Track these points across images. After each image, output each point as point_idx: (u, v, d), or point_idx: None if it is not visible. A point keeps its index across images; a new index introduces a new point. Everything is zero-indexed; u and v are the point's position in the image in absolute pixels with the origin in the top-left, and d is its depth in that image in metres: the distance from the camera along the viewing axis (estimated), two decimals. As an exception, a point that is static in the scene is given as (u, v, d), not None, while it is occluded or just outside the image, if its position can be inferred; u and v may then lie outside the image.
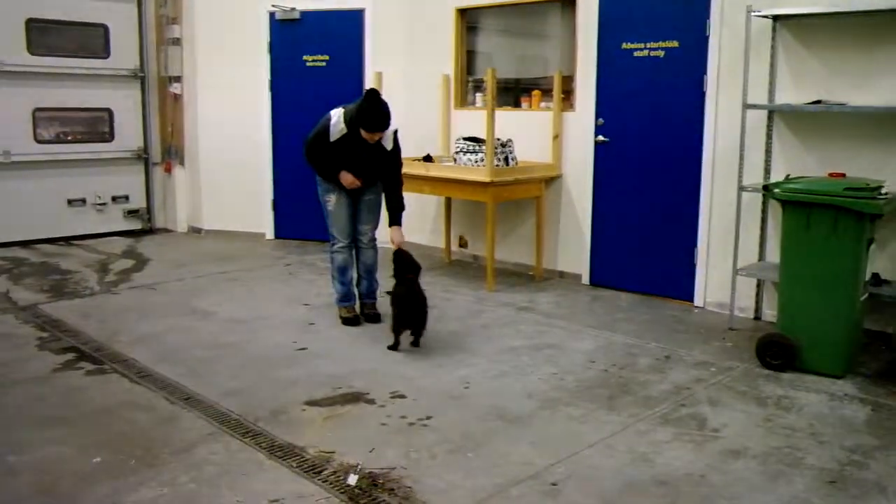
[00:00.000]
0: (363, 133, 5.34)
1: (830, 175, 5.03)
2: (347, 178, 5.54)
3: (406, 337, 5.28)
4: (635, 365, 5.00)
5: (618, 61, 6.64)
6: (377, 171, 5.62)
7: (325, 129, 5.43)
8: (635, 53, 6.51)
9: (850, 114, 5.36)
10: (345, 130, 5.39)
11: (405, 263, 5.34)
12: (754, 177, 5.80)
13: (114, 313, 6.04)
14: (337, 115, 5.42)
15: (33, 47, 8.54)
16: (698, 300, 6.32)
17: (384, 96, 5.42)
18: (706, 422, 4.14)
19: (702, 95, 6.14)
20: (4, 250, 8.29)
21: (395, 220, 5.61)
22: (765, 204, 5.86)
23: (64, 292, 6.66)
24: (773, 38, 5.66)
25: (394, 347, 5.23)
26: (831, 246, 4.68)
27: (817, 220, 4.70)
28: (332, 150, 5.46)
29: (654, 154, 6.49)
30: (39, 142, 8.71)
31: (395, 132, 5.59)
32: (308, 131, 5.58)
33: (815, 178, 5.03)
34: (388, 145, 5.54)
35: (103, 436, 3.93)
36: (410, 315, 5.21)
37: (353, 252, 5.82)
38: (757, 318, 5.99)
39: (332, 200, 5.66)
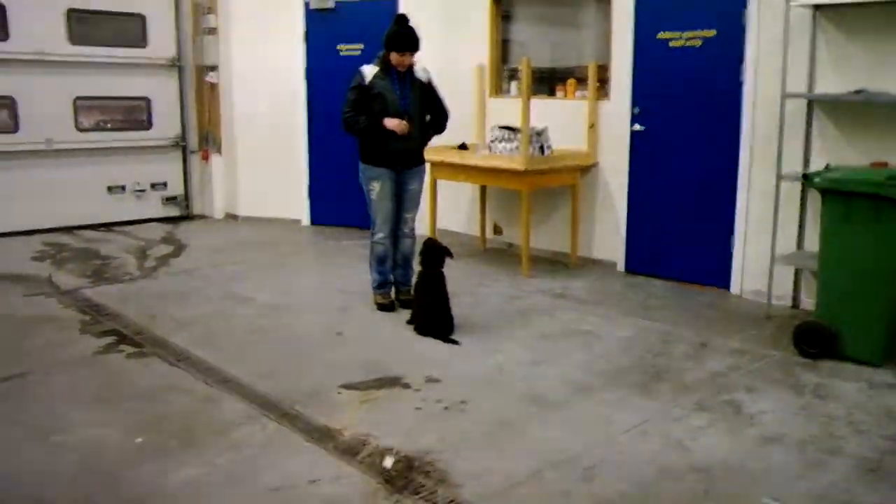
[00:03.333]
0: (394, 58, 5.48)
1: (873, 165, 4.95)
2: (394, 122, 5.51)
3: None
4: (671, 352, 4.97)
5: (654, 51, 6.57)
6: (420, 111, 5.67)
7: (359, 75, 5.57)
8: (671, 43, 6.45)
9: (892, 103, 5.26)
10: (377, 67, 5.54)
11: (434, 254, 5.35)
12: (793, 167, 5.71)
13: (153, 298, 6.12)
14: (366, 65, 5.62)
15: (74, 37, 8.65)
16: (735, 288, 6.27)
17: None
18: (742, 409, 4.11)
19: (739, 85, 6.07)
20: (47, 236, 8.42)
21: (433, 129, 5.82)
22: (804, 193, 5.78)
23: (105, 277, 6.75)
24: (813, 26, 5.57)
25: (411, 321, 5.40)
26: (872, 235, 4.61)
27: (858, 209, 4.63)
28: (368, 96, 5.51)
29: (691, 143, 6.43)
30: (80, 130, 8.82)
31: (427, 71, 5.72)
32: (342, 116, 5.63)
33: (856, 168, 4.96)
34: (424, 78, 5.67)
35: (144, 417, 4.00)
36: (435, 323, 5.25)
37: (393, 241, 5.82)
38: (795, 306, 5.92)
39: (375, 189, 5.65)
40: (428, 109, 5.76)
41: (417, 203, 5.85)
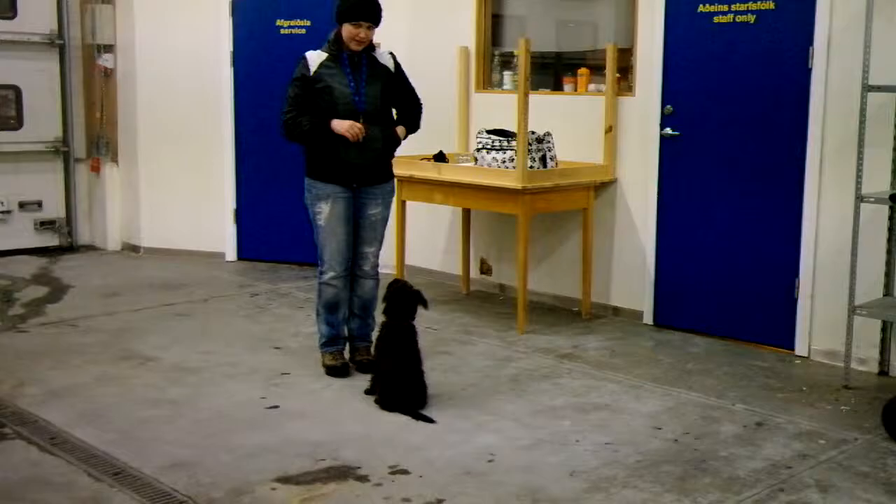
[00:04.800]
0: (346, 32, 5.49)
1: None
2: (344, 125, 5.49)
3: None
4: (716, 434, 4.95)
5: (692, 29, 6.63)
6: (383, 107, 5.68)
7: (303, 64, 5.59)
8: (716, 18, 6.51)
9: None
10: (325, 54, 5.57)
11: (402, 300, 5.32)
12: (878, 182, 5.76)
13: (19, 359, 6.04)
14: (311, 50, 5.65)
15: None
16: (801, 347, 6.27)
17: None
18: (815, 512, 4.08)
19: (806, 73, 6.11)
20: None
21: (405, 127, 5.84)
22: (892, 219, 5.82)
23: (-46, 330, 6.69)
24: (905, -5, 5.65)
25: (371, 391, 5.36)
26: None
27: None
28: (315, 92, 5.52)
29: (741, 152, 6.47)
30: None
31: (394, 55, 5.77)
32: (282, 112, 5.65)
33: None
34: (389, 63, 5.70)
35: (5, 522, 3.92)
36: (402, 392, 5.22)
37: (348, 283, 5.80)
38: (883, 372, 5.93)
39: (323, 212, 5.63)
40: (395, 103, 5.76)
41: (381, 233, 5.84)
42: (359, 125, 5.51)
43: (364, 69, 5.60)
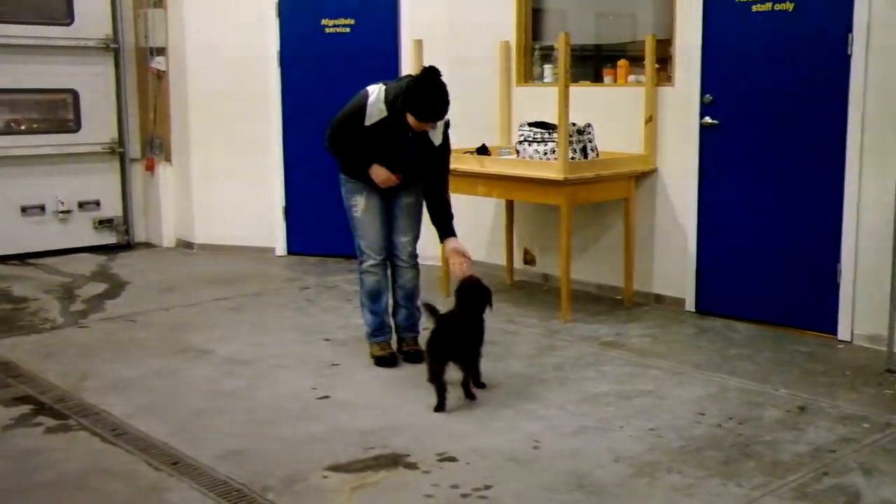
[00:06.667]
0: (411, 121, 5.36)
1: None
2: (381, 175, 5.56)
3: (456, 389, 5.22)
4: (759, 419, 4.92)
5: (731, 19, 6.57)
6: (418, 168, 5.65)
7: (361, 108, 5.46)
8: (755, 7, 6.45)
9: None
10: (385, 113, 5.42)
11: (468, 295, 5.26)
12: (918, 168, 5.70)
13: (81, 353, 6.11)
14: (376, 92, 5.46)
15: (-27, 12, 8.76)
16: (843, 332, 6.21)
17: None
18: (859, 497, 4.04)
19: (846, 60, 6.04)
20: (-58, 272, 8.47)
21: (450, 231, 5.63)
22: (934, 204, 5.75)
23: (16, 326, 6.76)
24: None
25: (439, 406, 5.07)
26: None
27: None
28: (364, 137, 5.49)
29: (781, 139, 6.41)
30: (-16, 133, 8.91)
31: (447, 124, 5.62)
32: (332, 113, 5.63)
33: None
34: (437, 139, 5.58)
35: (68, 511, 3.96)
36: (447, 343, 5.08)
37: (388, 272, 5.83)
38: (925, 355, 5.87)
39: (359, 204, 5.68)
40: (425, 168, 5.67)
41: (416, 222, 5.84)
42: (394, 179, 5.58)
43: (416, 144, 5.52)
